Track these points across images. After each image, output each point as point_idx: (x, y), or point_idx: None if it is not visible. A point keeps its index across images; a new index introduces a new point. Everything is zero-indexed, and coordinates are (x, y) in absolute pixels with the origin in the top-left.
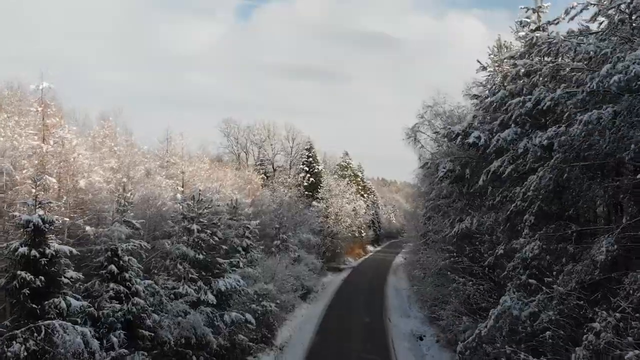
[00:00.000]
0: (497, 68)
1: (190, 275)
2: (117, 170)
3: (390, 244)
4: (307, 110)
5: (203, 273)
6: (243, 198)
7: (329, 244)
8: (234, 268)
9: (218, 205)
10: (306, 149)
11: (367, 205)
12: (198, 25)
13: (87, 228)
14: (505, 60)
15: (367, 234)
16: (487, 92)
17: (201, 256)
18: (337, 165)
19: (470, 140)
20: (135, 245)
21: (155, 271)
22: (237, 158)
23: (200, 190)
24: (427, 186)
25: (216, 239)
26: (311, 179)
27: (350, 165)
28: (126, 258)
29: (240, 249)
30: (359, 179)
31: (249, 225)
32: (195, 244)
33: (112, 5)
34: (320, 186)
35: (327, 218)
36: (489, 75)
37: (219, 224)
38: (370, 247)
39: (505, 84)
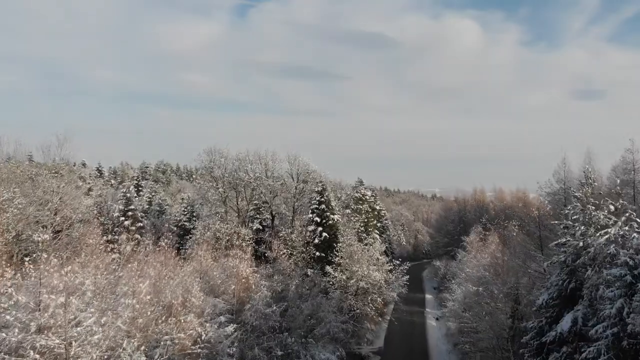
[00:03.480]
0: None
1: None
2: None
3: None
4: (304, 109)
5: None
6: (222, 302)
7: (351, 329)
8: None
9: None
10: (317, 192)
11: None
12: (194, 24)
13: None
14: None
15: None
16: None
17: None
18: (351, 197)
19: None
20: None
21: None
22: (222, 203)
23: None
24: None
25: None
26: (324, 233)
27: (366, 197)
28: None
29: None
30: (375, 213)
31: None
32: None
33: (106, 4)
34: (337, 243)
35: (346, 292)
36: None
37: None
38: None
39: None
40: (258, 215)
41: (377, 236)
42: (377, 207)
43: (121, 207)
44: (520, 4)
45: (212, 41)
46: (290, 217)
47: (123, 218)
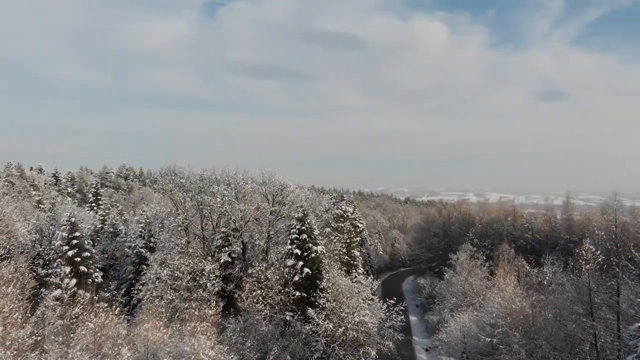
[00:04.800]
0: None
1: None
2: None
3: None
4: (275, 109)
5: None
6: None
7: None
8: None
9: None
10: (297, 219)
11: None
12: (162, 22)
13: None
14: None
15: None
16: None
17: None
18: (331, 214)
19: None
20: None
21: None
22: (184, 231)
23: None
24: None
25: None
26: (305, 269)
27: (347, 214)
28: None
29: None
30: (358, 230)
31: None
32: None
33: (73, 1)
34: (321, 280)
35: (333, 342)
36: None
37: None
38: None
39: None
40: (227, 247)
41: (358, 253)
42: (360, 225)
43: (64, 234)
44: (487, 6)
45: (183, 40)
46: (264, 248)
47: (67, 247)
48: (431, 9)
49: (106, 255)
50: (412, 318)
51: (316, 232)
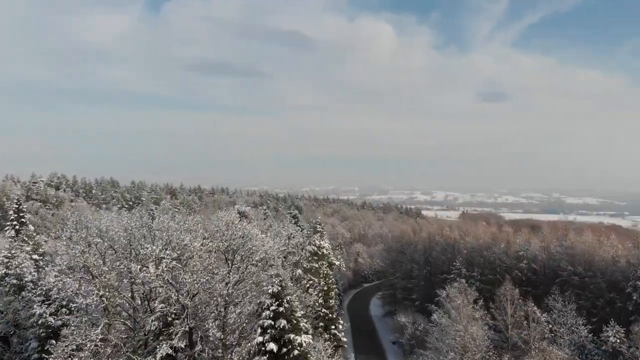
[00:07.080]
0: None
1: None
2: None
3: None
4: (228, 107)
5: None
6: None
7: None
8: None
9: None
10: (270, 294)
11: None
12: (106, 17)
13: None
14: None
15: None
16: None
17: None
18: (306, 253)
19: None
20: None
21: None
22: (103, 311)
23: None
24: None
25: None
26: None
27: (323, 250)
28: None
29: None
30: (333, 267)
31: None
32: None
33: None
34: None
35: None
36: None
37: None
38: None
39: None
40: (166, 335)
41: (334, 300)
42: (337, 264)
43: None
44: (432, 8)
45: (127, 34)
46: (222, 337)
47: None
48: (378, 10)
49: (5, 320)
50: None
51: (299, 312)
